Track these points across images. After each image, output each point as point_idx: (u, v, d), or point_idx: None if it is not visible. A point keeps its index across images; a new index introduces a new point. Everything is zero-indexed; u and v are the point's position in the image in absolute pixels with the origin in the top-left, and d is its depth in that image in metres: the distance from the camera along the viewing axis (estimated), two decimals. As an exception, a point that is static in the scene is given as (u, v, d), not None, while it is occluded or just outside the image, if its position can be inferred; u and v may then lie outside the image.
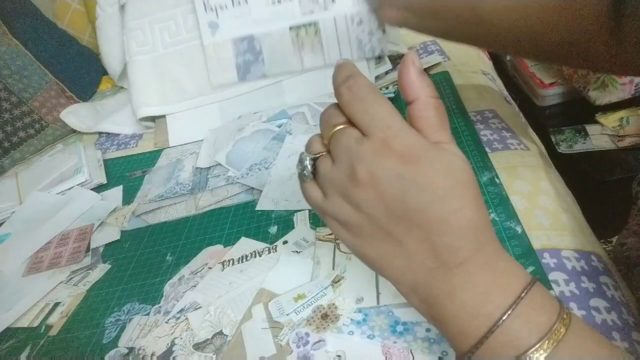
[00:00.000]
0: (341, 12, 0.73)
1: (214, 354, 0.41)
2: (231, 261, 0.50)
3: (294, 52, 0.75)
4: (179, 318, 0.46)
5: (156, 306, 0.48)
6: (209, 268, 0.51)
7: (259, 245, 0.52)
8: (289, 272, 0.46)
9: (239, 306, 0.45)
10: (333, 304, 0.41)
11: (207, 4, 0.77)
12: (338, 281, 0.43)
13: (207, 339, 0.42)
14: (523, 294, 0.25)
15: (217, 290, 0.48)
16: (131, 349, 0.45)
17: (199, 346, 0.42)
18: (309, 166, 0.31)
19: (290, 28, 0.75)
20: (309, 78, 0.78)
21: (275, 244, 0.51)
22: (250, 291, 0.46)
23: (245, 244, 0.53)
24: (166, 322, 0.46)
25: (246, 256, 0.51)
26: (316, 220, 0.52)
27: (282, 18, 0.75)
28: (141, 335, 0.46)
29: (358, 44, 0.74)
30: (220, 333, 0.43)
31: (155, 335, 0.45)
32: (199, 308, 0.46)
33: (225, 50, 0.77)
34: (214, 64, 0.78)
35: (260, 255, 0.50)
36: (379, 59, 0.78)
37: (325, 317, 0.40)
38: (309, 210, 0.54)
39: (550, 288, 0.37)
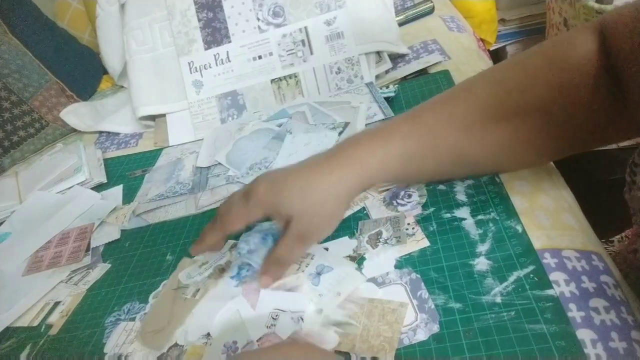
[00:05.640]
0: (320, 63, 0.77)
1: None
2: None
3: (275, 103, 0.78)
4: None
5: (142, 312, 0.48)
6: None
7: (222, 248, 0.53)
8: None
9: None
10: (229, 262, 0.50)
11: (192, 65, 0.80)
12: (234, 246, 0.51)
13: (163, 353, 0.43)
14: None
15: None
16: (118, 357, 0.44)
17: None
18: None
19: (272, 81, 0.78)
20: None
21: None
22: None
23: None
24: None
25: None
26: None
27: (264, 72, 0.79)
28: (127, 341, 0.45)
29: (337, 91, 0.77)
30: (175, 345, 0.43)
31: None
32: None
33: (210, 106, 0.80)
34: (198, 120, 0.80)
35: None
36: (380, 58, 0.78)
37: (223, 271, 0.49)
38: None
39: (550, 288, 0.37)
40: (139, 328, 0.46)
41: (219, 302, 0.45)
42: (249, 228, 0.54)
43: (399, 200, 0.51)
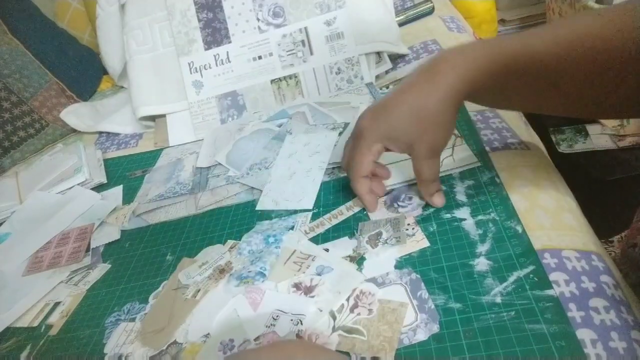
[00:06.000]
0: (320, 63, 0.77)
1: None
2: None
3: (275, 103, 0.78)
4: None
5: (142, 313, 0.48)
6: None
7: (222, 249, 0.53)
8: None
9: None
10: (229, 262, 0.50)
11: (192, 66, 0.80)
12: (234, 247, 0.53)
13: (162, 350, 0.43)
14: None
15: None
16: (118, 357, 0.44)
17: (154, 358, 0.43)
18: None
19: (272, 81, 0.78)
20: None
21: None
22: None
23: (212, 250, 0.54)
24: None
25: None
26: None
27: (264, 72, 0.78)
28: (127, 341, 0.45)
29: (337, 91, 0.77)
30: (175, 342, 0.43)
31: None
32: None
33: (210, 107, 0.80)
34: (198, 120, 0.80)
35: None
36: (380, 58, 0.78)
37: (222, 271, 0.49)
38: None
39: (550, 288, 0.37)
40: (139, 328, 0.46)
41: (219, 302, 0.45)
42: (250, 229, 0.54)
43: (399, 203, 0.51)
